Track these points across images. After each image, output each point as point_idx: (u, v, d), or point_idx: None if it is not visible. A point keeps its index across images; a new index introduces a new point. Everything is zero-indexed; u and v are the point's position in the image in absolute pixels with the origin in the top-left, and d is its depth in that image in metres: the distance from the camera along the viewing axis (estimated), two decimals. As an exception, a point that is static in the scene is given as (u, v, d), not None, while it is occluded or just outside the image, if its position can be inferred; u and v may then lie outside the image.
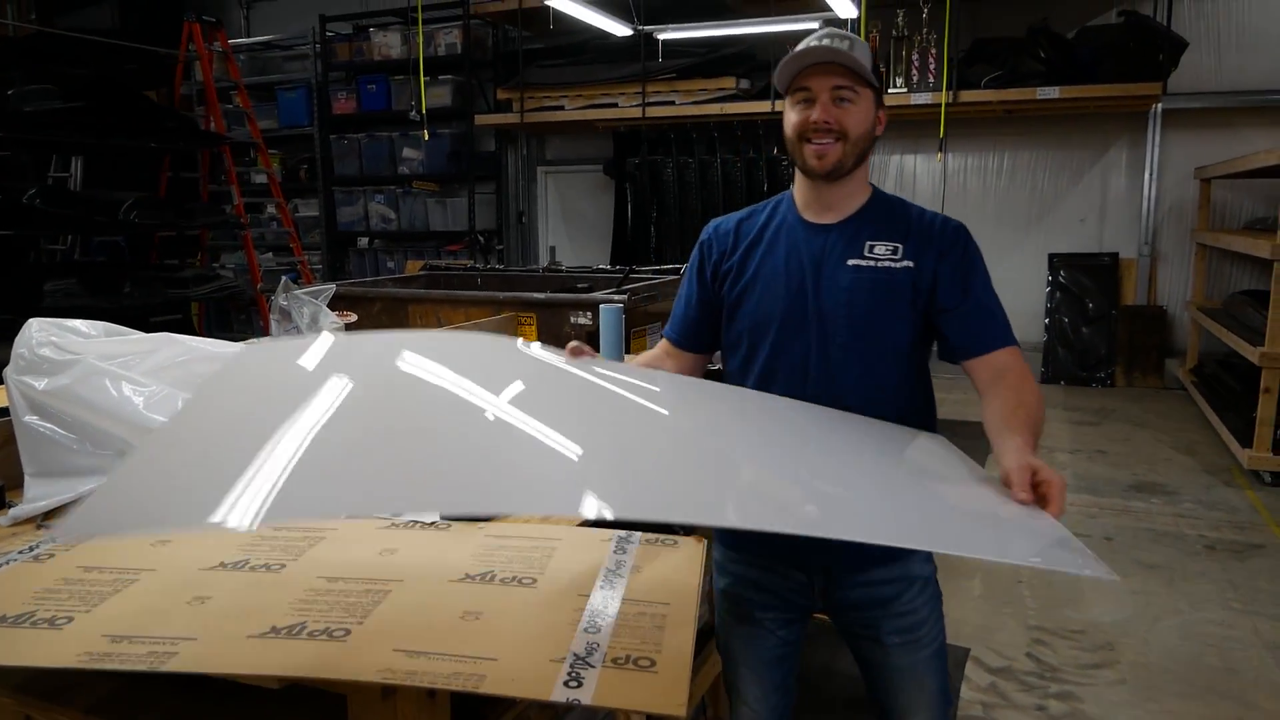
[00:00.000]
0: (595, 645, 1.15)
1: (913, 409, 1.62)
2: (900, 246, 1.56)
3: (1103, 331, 6.72)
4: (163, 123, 6.66)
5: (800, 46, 1.52)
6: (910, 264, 1.55)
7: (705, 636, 2.30)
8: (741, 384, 1.64)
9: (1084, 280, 6.77)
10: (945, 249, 1.56)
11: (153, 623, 1.23)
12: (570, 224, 8.55)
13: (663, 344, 1.80)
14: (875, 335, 1.56)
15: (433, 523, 1.62)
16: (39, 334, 1.93)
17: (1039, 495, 1.23)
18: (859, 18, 5.43)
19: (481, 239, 8.27)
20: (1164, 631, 3.02)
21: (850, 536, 1.11)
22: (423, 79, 7.02)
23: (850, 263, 1.56)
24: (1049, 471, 1.24)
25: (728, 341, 1.68)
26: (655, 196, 7.53)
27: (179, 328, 5.96)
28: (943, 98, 6.00)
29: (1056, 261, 6.82)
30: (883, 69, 1.40)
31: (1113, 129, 6.61)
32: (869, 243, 1.57)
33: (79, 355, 1.89)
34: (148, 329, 2.07)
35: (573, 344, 1.61)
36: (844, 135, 1.50)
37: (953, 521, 1.24)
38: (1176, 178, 6.47)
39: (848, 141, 1.51)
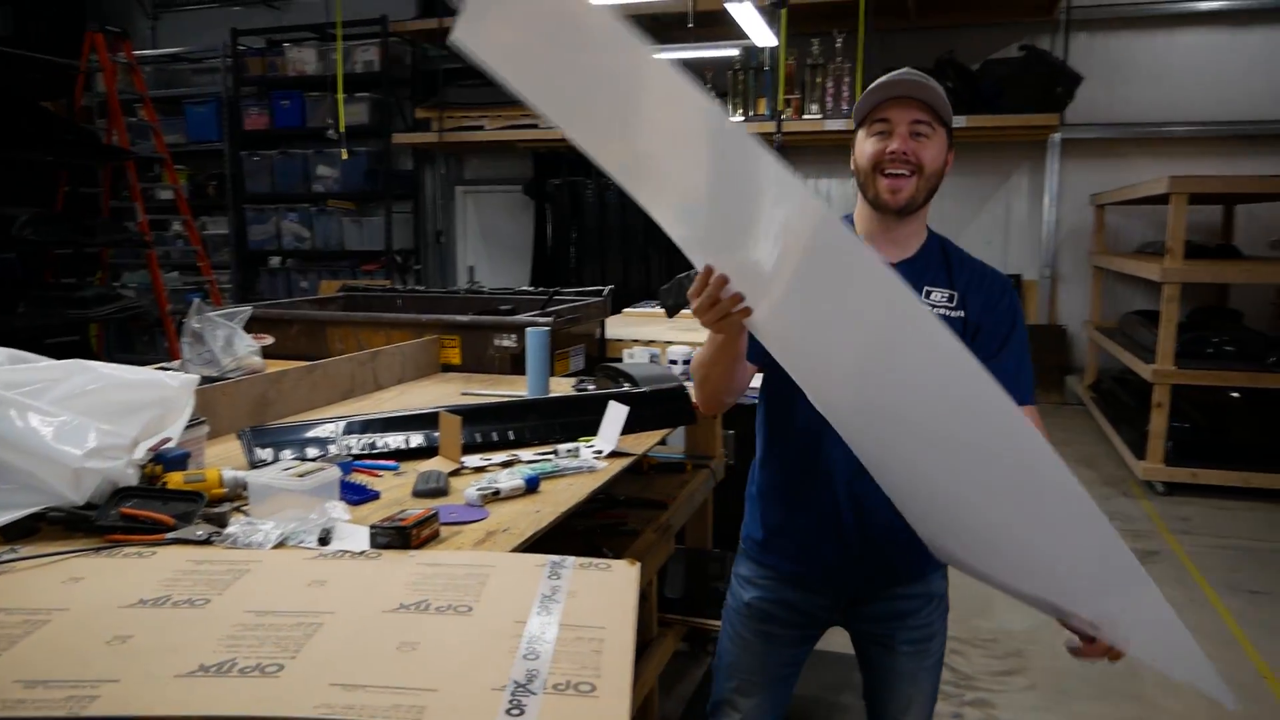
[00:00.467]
0: (535, 672, 1.15)
1: None
2: (955, 295, 1.58)
3: (1007, 350, 6.98)
4: (60, 135, 6.41)
5: (884, 79, 1.56)
6: (962, 314, 1.57)
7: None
8: (778, 404, 1.65)
9: (989, 301, 7.02)
10: (993, 301, 1.59)
11: (70, 665, 1.18)
12: (489, 244, 8.50)
13: None
14: None
15: (362, 551, 1.60)
16: (-64, 361, 1.84)
17: None
18: (779, 45, 5.56)
19: (399, 259, 8.17)
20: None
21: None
22: (341, 97, 6.92)
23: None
24: None
25: (771, 362, 1.62)
26: (575, 218, 7.56)
27: (77, 349, 5.75)
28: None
29: (964, 283, 7.07)
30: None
31: (1015, 157, 6.90)
32: (927, 288, 1.58)
33: (-20, 384, 1.82)
34: (43, 351, 2.00)
35: None
36: (919, 169, 1.53)
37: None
38: (1074, 204, 6.79)
39: (922, 176, 1.53)
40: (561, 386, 2.80)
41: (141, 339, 8.34)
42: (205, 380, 2.62)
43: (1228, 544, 4.01)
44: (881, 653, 1.67)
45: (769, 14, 4.79)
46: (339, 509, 1.74)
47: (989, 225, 7.07)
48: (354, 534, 1.68)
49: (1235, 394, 5.53)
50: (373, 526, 1.64)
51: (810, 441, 1.62)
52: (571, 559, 1.55)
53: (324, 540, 1.65)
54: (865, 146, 1.57)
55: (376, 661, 1.19)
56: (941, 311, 1.56)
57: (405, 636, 1.26)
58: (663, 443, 3.02)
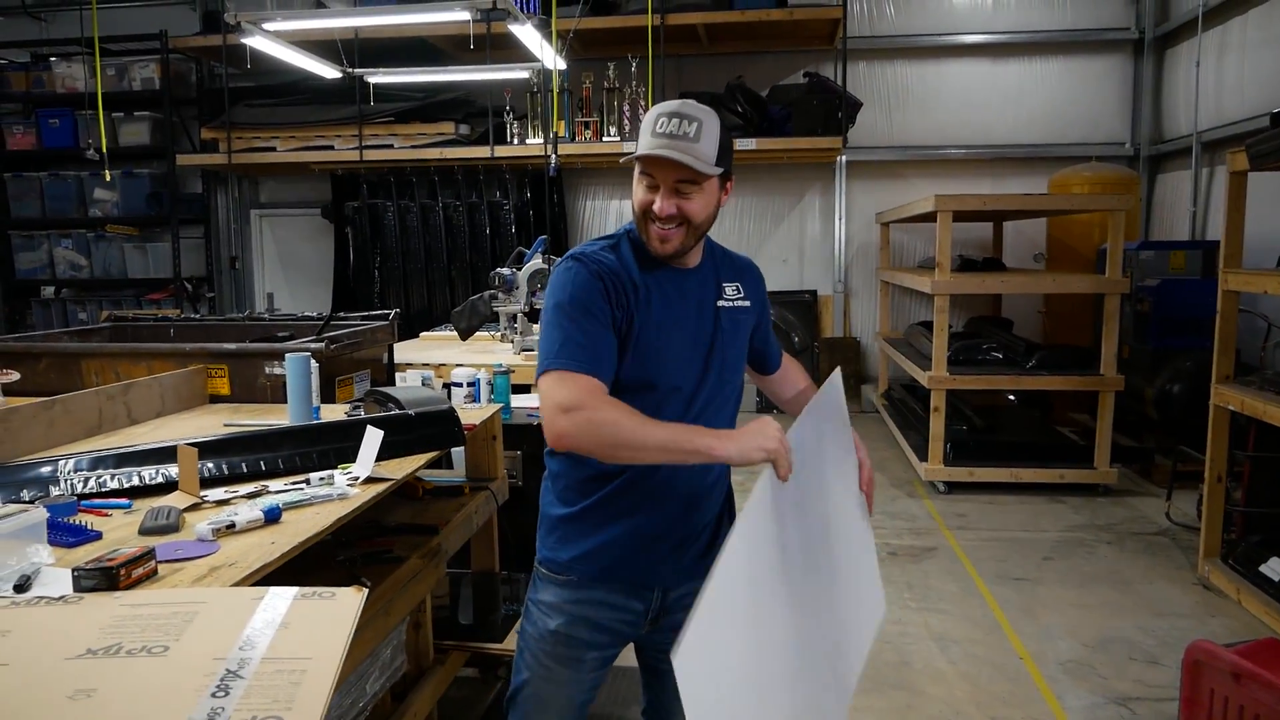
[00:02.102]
0: (219, 710, 1.09)
1: None
2: (740, 285, 1.73)
3: (808, 362, 7.30)
4: None
5: (647, 135, 1.55)
6: (748, 303, 1.73)
7: (404, 685, 2.24)
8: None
9: (790, 315, 7.34)
10: (756, 282, 1.78)
11: None
12: (289, 269, 8.16)
13: (594, 384, 1.56)
14: (735, 370, 1.72)
15: (61, 596, 1.47)
16: None
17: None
18: (562, 70, 5.63)
19: (189, 286, 7.70)
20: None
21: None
22: (101, 113, 6.48)
23: (719, 304, 1.69)
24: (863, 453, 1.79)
25: (625, 376, 1.62)
26: (377, 241, 7.37)
27: None
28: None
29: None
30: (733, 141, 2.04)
31: (806, 178, 7.26)
32: (723, 284, 1.71)
33: None
34: None
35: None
36: (686, 221, 1.57)
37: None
38: (862, 222, 7.21)
39: (690, 227, 1.58)
40: (336, 414, 2.70)
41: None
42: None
43: (999, 536, 4.32)
44: (668, 664, 1.66)
45: (557, 37, 4.83)
46: (43, 553, 1.61)
47: (784, 244, 7.39)
48: (57, 578, 1.55)
49: (1011, 397, 6.01)
50: (75, 569, 1.51)
51: None
52: (293, 590, 1.48)
53: (21, 587, 1.51)
54: (637, 190, 1.60)
55: (41, 713, 1.09)
56: (738, 303, 1.70)
57: (82, 684, 1.16)
58: (441, 466, 2.97)
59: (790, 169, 7.21)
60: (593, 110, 6.73)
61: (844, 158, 7.02)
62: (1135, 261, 5.51)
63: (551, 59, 4.91)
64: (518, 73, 5.84)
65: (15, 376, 3.09)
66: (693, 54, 7.09)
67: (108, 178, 6.92)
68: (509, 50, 6.27)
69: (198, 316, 4.78)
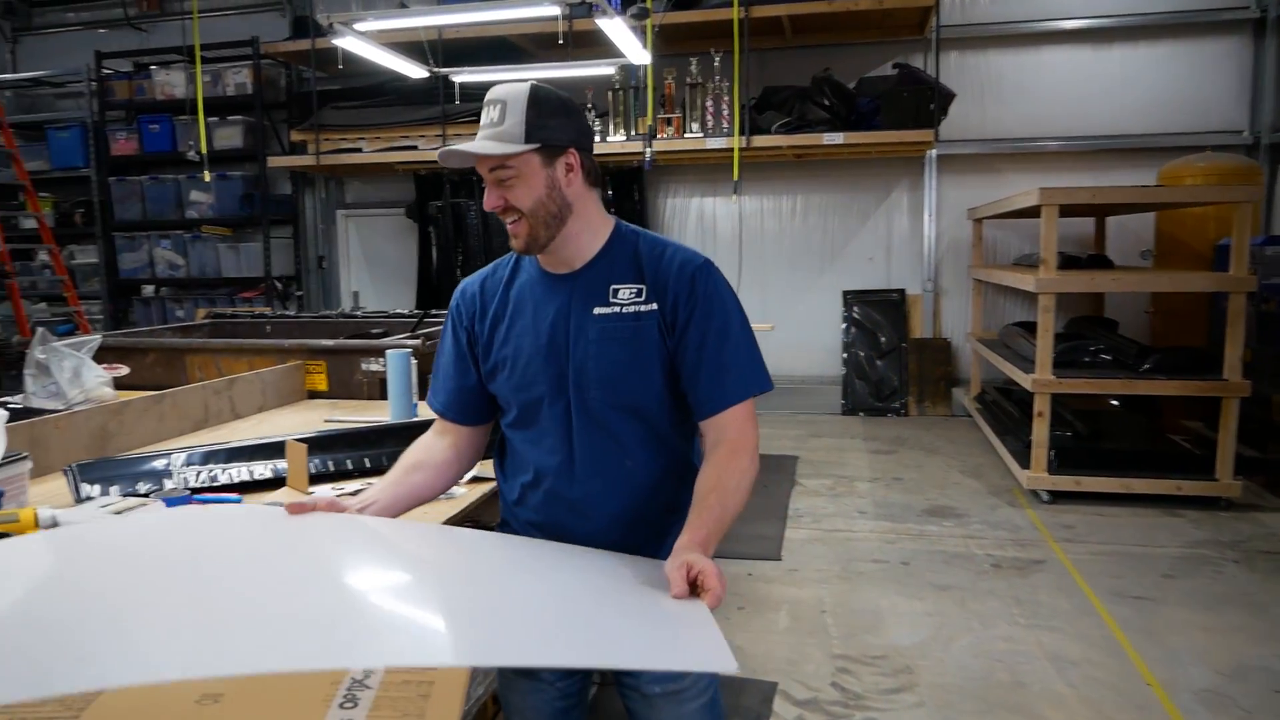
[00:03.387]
0: (349, 722, 1.04)
1: (681, 463, 1.59)
2: (643, 288, 1.51)
3: (894, 364, 7.11)
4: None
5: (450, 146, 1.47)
6: (654, 306, 1.50)
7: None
8: (517, 442, 1.61)
9: (875, 315, 7.15)
10: (681, 293, 1.50)
11: None
12: (374, 268, 8.27)
13: (437, 424, 1.69)
14: (630, 388, 1.50)
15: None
16: None
17: (700, 587, 1.25)
18: (648, 64, 5.56)
19: (279, 285, 7.87)
20: (958, 651, 3.15)
21: (511, 662, 1.43)
22: (202, 117, 6.63)
23: (596, 311, 1.50)
24: (704, 563, 1.27)
25: (502, 392, 1.60)
26: (459, 239, 7.41)
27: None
28: (735, 142, 6.23)
29: (850, 298, 7.19)
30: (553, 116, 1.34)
31: (894, 173, 7.06)
32: (613, 286, 1.52)
33: None
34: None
35: (290, 504, 1.50)
36: (519, 211, 1.46)
37: (618, 637, 1.20)
38: (952, 218, 6.98)
39: (526, 216, 1.45)
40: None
41: (8, 374, 7.80)
42: (43, 413, 2.41)
43: (1112, 550, 4.11)
44: (639, 700, 1.55)
45: (641, 31, 4.77)
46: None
47: (871, 241, 7.21)
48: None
49: (1114, 401, 5.73)
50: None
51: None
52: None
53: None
54: None
55: (168, 718, 1.06)
56: (632, 308, 1.50)
57: (209, 689, 1.13)
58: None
59: (877, 164, 7.03)
60: (674, 106, 6.65)
61: (934, 152, 6.80)
62: (1260, 258, 5.20)
63: (641, 53, 4.84)
64: (604, 69, 5.79)
65: (124, 370, 3.15)
66: (775, 47, 6.95)
67: (207, 178, 7.09)
68: (590, 48, 6.26)
69: (292, 314, 4.84)
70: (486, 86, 5.81)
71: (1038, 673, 2.99)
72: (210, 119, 7.74)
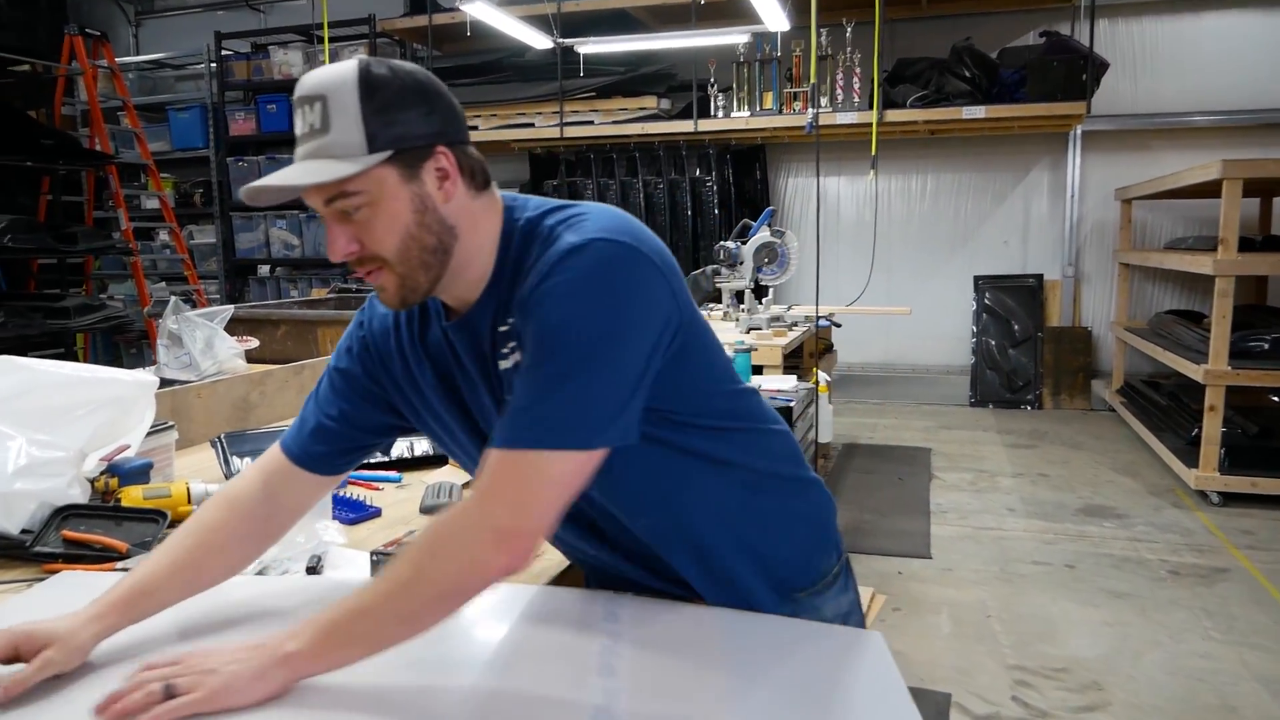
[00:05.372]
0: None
1: (713, 472, 1.14)
2: (514, 324, 1.04)
3: (1029, 353, 6.69)
4: (40, 140, 6.09)
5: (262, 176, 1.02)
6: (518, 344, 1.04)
7: None
8: None
9: (1009, 302, 6.74)
10: (526, 305, 1.00)
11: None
12: (487, 249, 8.19)
13: (274, 462, 1.19)
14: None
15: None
16: None
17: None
18: (787, 29, 5.29)
19: (392, 265, 7.85)
20: (1149, 667, 2.83)
21: None
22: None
23: (503, 367, 1.06)
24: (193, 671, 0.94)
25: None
26: (576, 219, 7.25)
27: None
28: (874, 115, 5.89)
29: (981, 284, 6.78)
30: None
31: (1034, 151, 6.62)
32: (498, 329, 1.06)
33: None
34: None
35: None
36: (378, 257, 1.00)
37: None
38: (1097, 199, 6.50)
39: (393, 263, 1.01)
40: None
41: (129, 351, 8.01)
42: (179, 383, 2.31)
43: (1297, 557, 3.71)
44: None
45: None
46: (332, 530, 1.43)
47: (1006, 224, 6.78)
48: (351, 561, 1.36)
49: (1276, 398, 5.24)
50: (374, 553, 1.32)
51: None
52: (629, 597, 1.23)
53: (314, 569, 1.33)
54: None
55: None
56: (516, 356, 1.04)
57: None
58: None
59: (1017, 141, 6.60)
60: (802, 81, 6.35)
61: (1080, 128, 6.34)
62: None
63: (780, 18, 4.58)
64: (737, 37, 5.54)
65: (254, 343, 3.05)
66: (909, 18, 6.58)
67: None
68: (712, 20, 6.03)
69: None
70: (608, 58, 5.56)
71: (1249, 696, 2.65)
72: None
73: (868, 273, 5.67)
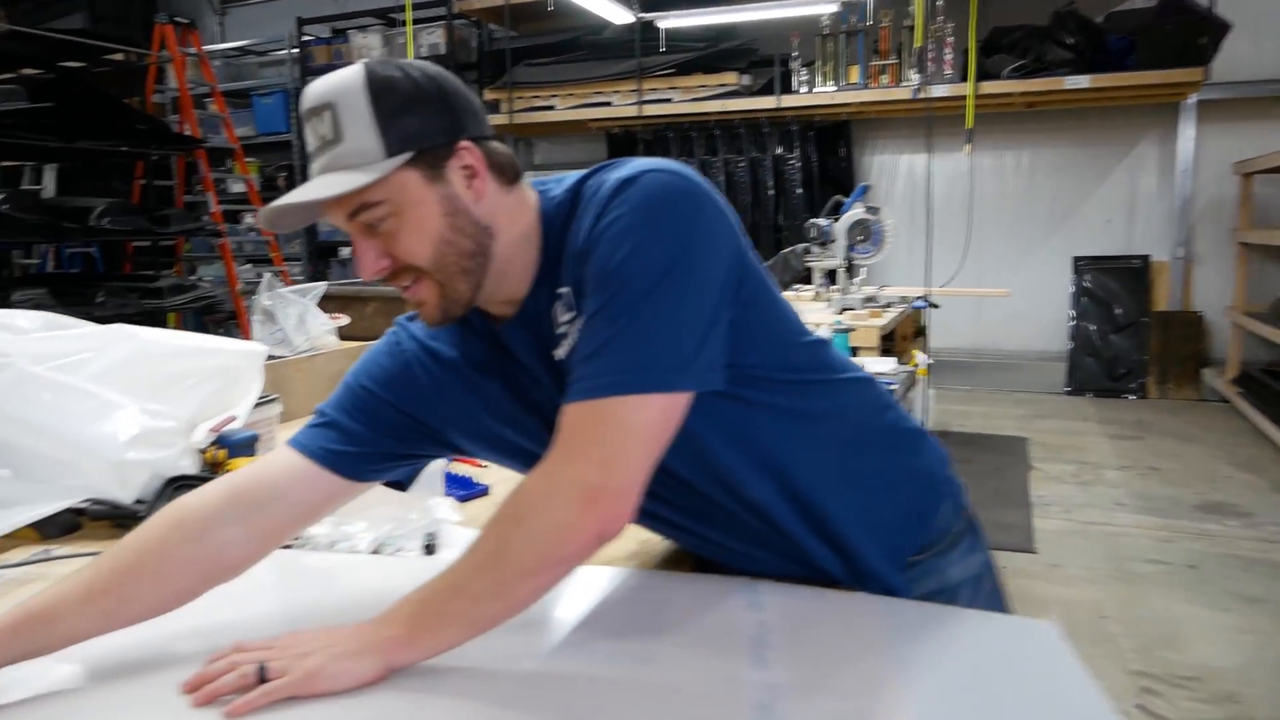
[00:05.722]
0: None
1: (818, 430, 1.04)
2: (568, 291, 0.96)
3: (1132, 339, 6.36)
4: (134, 125, 6.22)
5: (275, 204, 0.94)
6: (584, 317, 0.94)
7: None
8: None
9: (1111, 285, 6.42)
10: (581, 256, 0.93)
11: None
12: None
13: (289, 459, 1.06)
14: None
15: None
16: (-42, 331, 1.48)
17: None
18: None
19: (471, 247, 7.86)
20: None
21: None
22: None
23: (557, 354, 0.97)
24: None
25: None
26: (654, 200, 7.14)
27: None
28: (969, 86, 5.62)
29: (1081, 265, 6.47)
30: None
31: (1141, 123, 6.27)
32: (557, 317, 0.97)
33: (8, 357, 1.45)
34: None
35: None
36: (413, 268, 0.94)
37: None
38: (1212, 173, 6.11)
39: (430, 271, 0.93)
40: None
41: (218, 331, 8.19)
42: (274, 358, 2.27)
43: None
44: None
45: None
46: (445, 507, 1.34)
47: (1109, 202, 6.45)
48: (467, 541, 1.27)
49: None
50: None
51: None
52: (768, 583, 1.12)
53: (430, 548, 1.25)
54: None
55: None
56: (573, 338, 0.95)
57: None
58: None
59: (1121, 113, 6.25)
60: (890, 53, 6.11)
61: (1195, 96, 5.96)
62: None
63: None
64: (823, 7, 5.35)
65: (345, 320, 3.03)
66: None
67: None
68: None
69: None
70: (688, 33, 5.41)
71: None
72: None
73: (959, 253, 5.44)
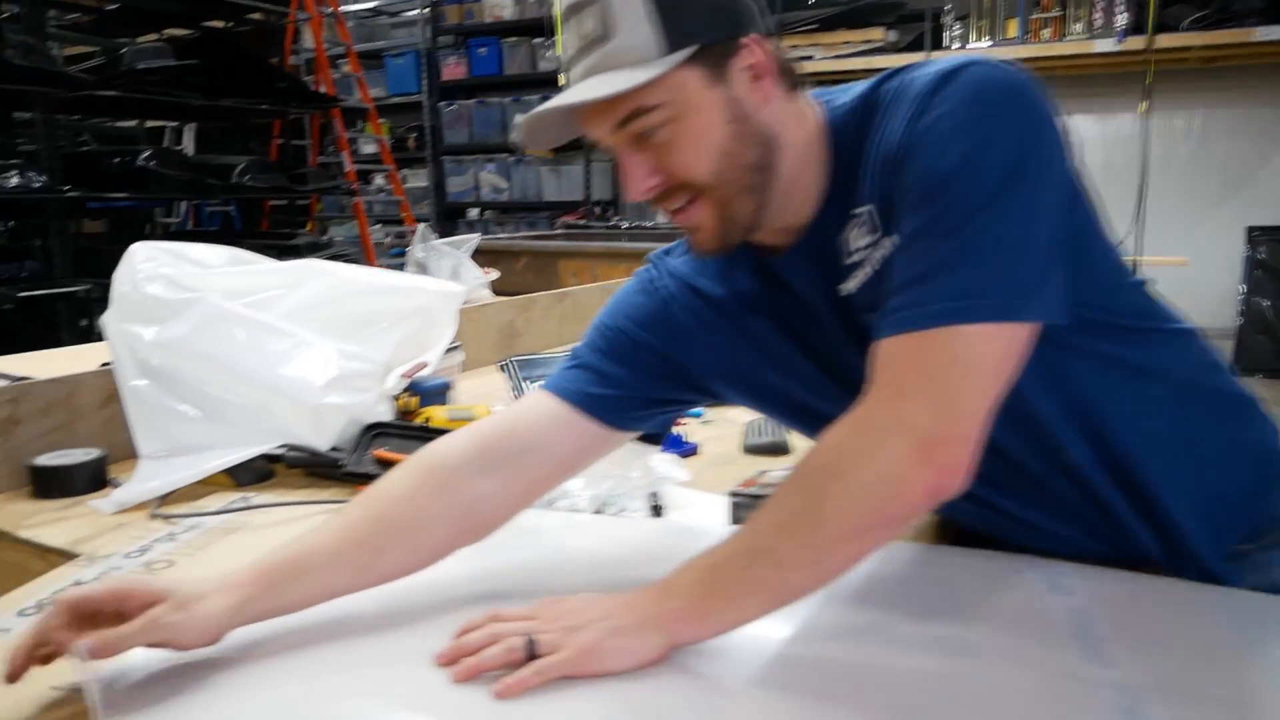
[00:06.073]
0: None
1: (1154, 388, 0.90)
2: (870, 209, 0.83)
3: (1322, 323, 5.85)
4: (275, 84, 6.35)
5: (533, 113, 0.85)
6: (892, 237, 0.81)
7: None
8: None
9: (1302, 261, 5.91)
10: (893, 162, 0.80)
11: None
12: (695, 193, 7.99)
13: (545, 404, 0.97)
14: None
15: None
16: (146, 264, 1.43)
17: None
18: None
19: (598, 209, 7.78)
20: None
21: None
22: (560, 32, 6.55)
23: (842, 289, 0.86)
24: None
25: None
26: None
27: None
28: (1148, 38, 5.20)
29: (1256, 235, 5.97)
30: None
31: (1332, 80, 5.72)
32: (849, 240, 0.85)
33: (198, 293, 1.40)
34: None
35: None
36: (690, 185, 0.82)
37: None
38: None
39: (710, 188, 0.82)
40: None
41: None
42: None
43: None
44: None
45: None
46: (667, 464, 1.23)
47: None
48: (697, 502, 1.16)
49: None
50: (734, 493, 1.11)
51: None
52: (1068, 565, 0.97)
53: (657, 509, 1.14)
54: None
55: None
56: (875, 258, 0.82)
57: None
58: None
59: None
60: (1053, 5, 5.72)
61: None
62: None
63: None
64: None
65: (496, 274, 2.98)
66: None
67: (563, 81, 7.13)
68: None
69: (650, 224, 4.62)
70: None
71: None
72: (535, 40, 7.76)
73: (1128, 221, 5.07)
